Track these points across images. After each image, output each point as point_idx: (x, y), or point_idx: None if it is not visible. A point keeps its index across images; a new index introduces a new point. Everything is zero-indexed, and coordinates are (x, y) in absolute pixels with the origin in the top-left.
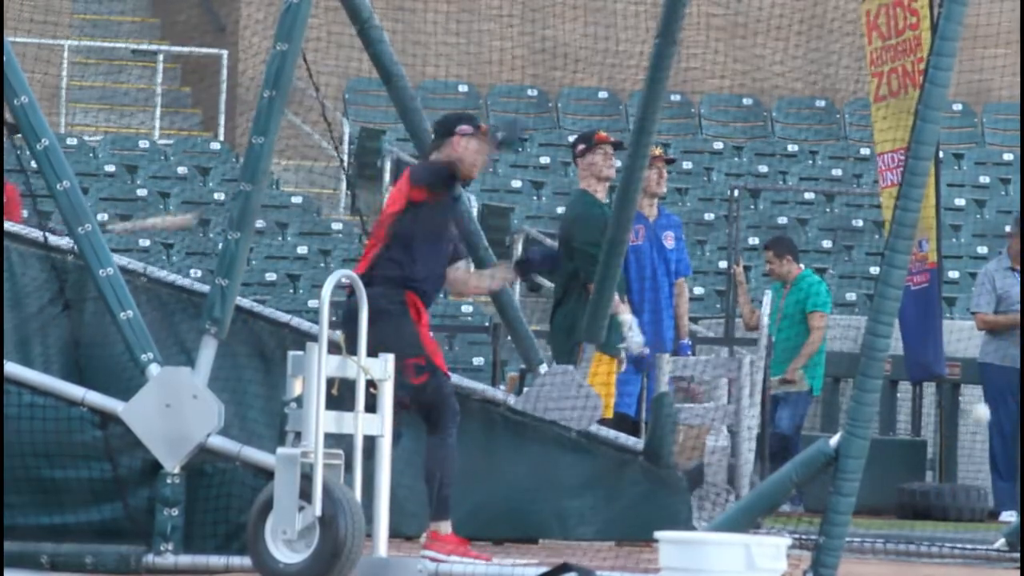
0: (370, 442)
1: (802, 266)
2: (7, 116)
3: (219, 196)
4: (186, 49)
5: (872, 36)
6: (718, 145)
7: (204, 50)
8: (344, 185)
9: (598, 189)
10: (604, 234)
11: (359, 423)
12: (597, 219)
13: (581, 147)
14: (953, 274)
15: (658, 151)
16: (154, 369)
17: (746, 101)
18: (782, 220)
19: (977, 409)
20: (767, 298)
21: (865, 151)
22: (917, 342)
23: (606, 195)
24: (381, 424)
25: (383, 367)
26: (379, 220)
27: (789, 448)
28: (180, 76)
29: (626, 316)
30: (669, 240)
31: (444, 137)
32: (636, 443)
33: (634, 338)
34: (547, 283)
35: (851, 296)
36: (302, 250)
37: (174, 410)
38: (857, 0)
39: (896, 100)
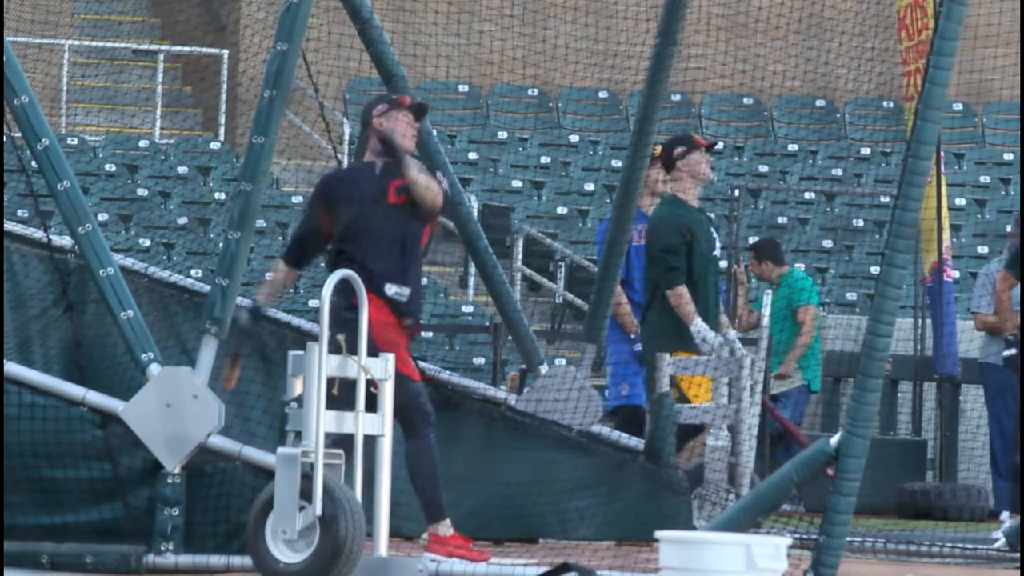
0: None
1: (786, 267)
2: None
3: (219, 196)
4: (186, 49)
5: (903, 35)
6: (718, 145)
7: (204, 50)
8: None
9: (692, 191)
10: (684, 239)
11: (359, 423)
12: (678, 224)
13: (681, 149)
14: (953, 274)
15: (659, 150)
16: (154, 369)
17: (746, 101)
18: (782, 220)
19: None
20: (767, 298)
21: (865, 151)
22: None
23: (698, 196)
24: (381, 424)
25: (384, 367)
26: None
27: (787, 447)
28: (180, 76)
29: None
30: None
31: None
32: (636, 443)
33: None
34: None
35: (851, 296)
36: None
37: (174, 410)
38: (858, 0)
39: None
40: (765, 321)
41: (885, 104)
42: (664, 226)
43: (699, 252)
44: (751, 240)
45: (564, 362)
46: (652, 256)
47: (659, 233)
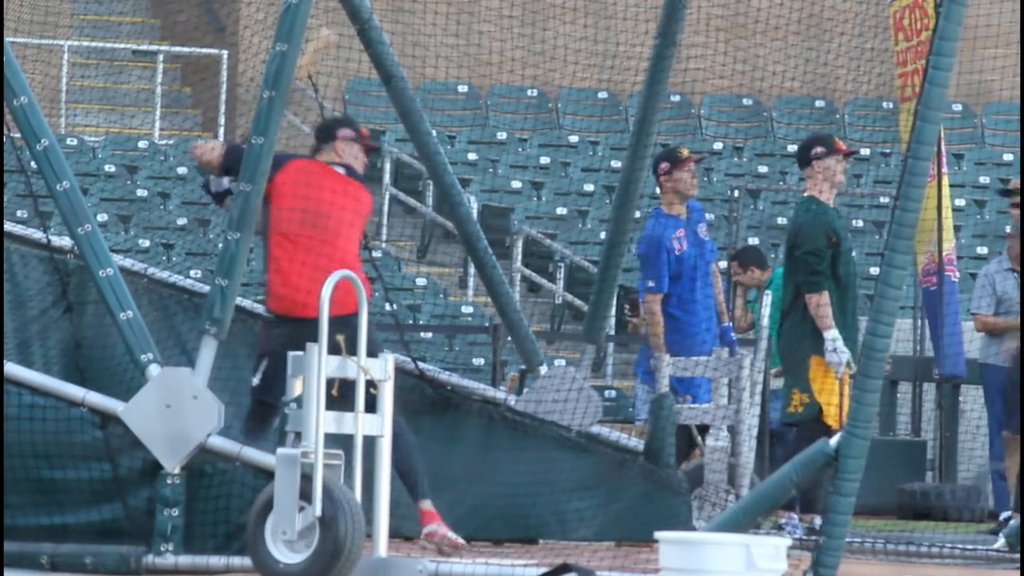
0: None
1: (770, 270)
2: None
3: None
4: (186, 49)
5: (898, 37)
6: (718, 145)
7: (204, 50)
8: None
9: (828, 193)
10: (830, 240)
11: (359, 423)
12: (823, 226)
13: (820, 150)
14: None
15: (686, 151)
16: (154, 369)
17: (746, 101)
18: (782, 220)
19: None
20: (768, 299)
21: (865, 151)
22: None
23: (833, 200)
24: (381, 424)
25: (383, 367)
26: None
27: (778, 443)
28: (180, 76)
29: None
30: (704, 231)
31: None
32: (636, 443)
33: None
34: None
35: None
36: None
37: (174, 410)
38: (857, 0)
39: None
40: (765, 322)
41: (884, 104)
42: (810, 228)
43: (844, 252)
44: (751, 241)
45: (564, 363)
46: (795, 258)
47: (805, 235)
